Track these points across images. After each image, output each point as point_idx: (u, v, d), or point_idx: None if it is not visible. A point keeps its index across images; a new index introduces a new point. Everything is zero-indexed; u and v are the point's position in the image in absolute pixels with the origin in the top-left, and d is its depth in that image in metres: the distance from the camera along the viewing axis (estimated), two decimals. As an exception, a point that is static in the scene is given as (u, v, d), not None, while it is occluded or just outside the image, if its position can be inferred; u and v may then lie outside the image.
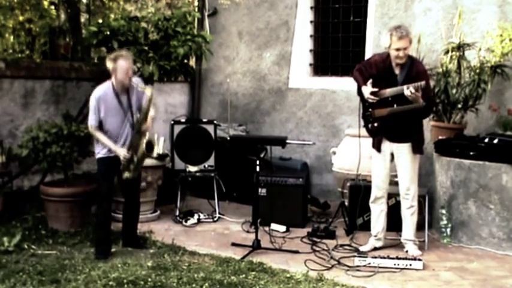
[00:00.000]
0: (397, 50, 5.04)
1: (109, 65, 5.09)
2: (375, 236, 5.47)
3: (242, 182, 7.07)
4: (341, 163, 6.50)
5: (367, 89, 5.17)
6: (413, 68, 5.13)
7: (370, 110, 5.26)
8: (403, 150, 5.27)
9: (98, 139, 5.17)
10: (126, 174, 5.19)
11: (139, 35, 6.27)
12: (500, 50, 6.05)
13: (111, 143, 5.13)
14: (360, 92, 5.29)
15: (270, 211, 5.97)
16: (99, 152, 5.21)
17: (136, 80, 5.21)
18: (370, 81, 5.24)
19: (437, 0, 6.81)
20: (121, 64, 5.02)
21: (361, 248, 5.43)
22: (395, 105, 5.10)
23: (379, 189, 5.40)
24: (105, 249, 5.15)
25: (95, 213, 5.57)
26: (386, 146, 5.33)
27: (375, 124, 5.28)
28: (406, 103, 5.03)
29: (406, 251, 5.36)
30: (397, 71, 5.17)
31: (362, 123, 5.41)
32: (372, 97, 5.13)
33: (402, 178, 5.31)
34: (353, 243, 5.61)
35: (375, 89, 5.13)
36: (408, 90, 4.91)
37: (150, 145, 5.25)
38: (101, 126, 5.15)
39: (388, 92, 5.09)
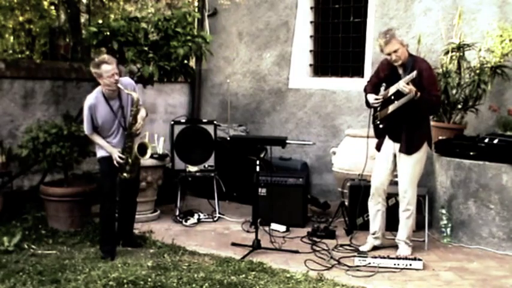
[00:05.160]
0: (388, 54, 5.13)
1: (93, 71, 5.04)
2: (373, 234, 5.47)
3: (242, 182, 7.07)
4: (341, 163, 6.50)
5: (372, 96, 5.29)
6: (415, 66, 5.13)
7: (377, 110, 5.34)
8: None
9: (95, 142, 5.23)
10: (124, 175, 5.23)
11: (139, 36, 6.26)
12: (500, 51, 6.04)
13: (107, 145, 5.18)
14: (368, 103, 5.37)
15: (270, 211, 5.97)
16: (99, 152, 5.25)
17: (125, 81, 5.21)
18: (383, 86, 5.31)
19: (437, 0, 6.81)
20: (105, 68, 4.98)
21: (361, 248, 5.43)
22: (396, 103, 5.14)
23: (376, 189, 5.41)
24: (110, 248, 5.14)
25: (96, 213, 5.56)
26: (390, 147, 5.34)
27: (381, 126, 5.34)
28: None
29: (397, 249, 5.37)
30: (400, 71, 5.20)
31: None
32: (376, 101, 5.25)
33: (400, 180, 5.32)
34: (353, 243, 5.61)
35: (379, 96, 5.23)
36: (403, 84, 4.97)
37: (142, 147, 5.25)
38: (97, 130, 5.18)
39: (389, 90, 5.15)
